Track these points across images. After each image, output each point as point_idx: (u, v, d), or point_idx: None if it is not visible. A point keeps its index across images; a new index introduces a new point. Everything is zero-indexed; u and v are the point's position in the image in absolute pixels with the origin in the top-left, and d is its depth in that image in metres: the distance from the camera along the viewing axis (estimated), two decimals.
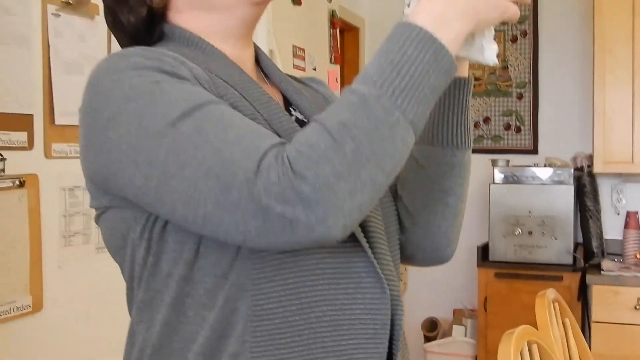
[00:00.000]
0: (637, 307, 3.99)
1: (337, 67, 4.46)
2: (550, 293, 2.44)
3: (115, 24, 1.17)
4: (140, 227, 1.01)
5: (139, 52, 1.00)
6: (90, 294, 2.47)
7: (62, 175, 2.40)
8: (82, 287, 2.45)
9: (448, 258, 1.25)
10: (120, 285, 1.10)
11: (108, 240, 1.10)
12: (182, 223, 0.93)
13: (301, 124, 1.10)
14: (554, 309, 2.43)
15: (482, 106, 5.02)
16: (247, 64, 1.17)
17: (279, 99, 1.18)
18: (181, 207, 0.90)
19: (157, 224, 0.99)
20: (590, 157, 4.57)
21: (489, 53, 1.03)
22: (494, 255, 4.41)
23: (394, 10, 4.94)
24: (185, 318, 1.00)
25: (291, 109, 1.19)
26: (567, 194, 4.36)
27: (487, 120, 5.01)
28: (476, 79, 4.94)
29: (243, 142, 0.87)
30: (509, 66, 4.92)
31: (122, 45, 1.18)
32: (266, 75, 1.22)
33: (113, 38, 2.44)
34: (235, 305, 0.96)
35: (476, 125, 5.03)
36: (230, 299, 0.96)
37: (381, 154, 0.86)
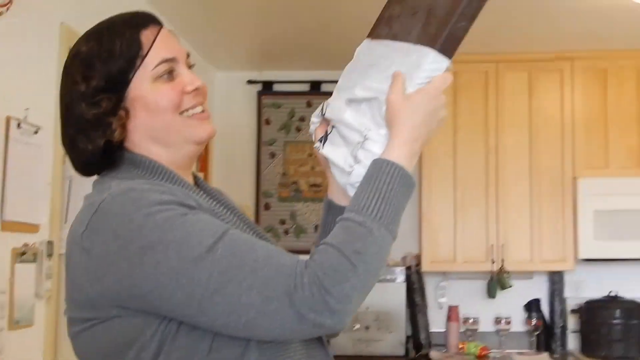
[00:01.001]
0: None
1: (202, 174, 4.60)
2: None
3: (72, 149, 1.29)
4: (151, 331, 1.13)
5: (152, 189, 1.16)
6: None
7: None
8: None
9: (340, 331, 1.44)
10: None
11: (97, 347, 1.19)
12: (219, 329, 1.10)
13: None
14: None
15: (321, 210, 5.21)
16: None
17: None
18: (223, 317, 1.08)
19: (171, 326, 1.13)
20: (418, 257, 4.85)
21: None
22: (334, 349, 4.56)
23: (246, 122, 5.16)
24: None
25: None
26: (400, 290, 4.64)
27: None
28: (317, 185, 5.19)
29: (272, 260, 1.10)
30: None
31: (75, 165, 1.31)
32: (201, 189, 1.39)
33: (11, 145, 2.46)
34: None
35: (317, 227, 5.13)
36: None
37: (380, 266, 1.14)
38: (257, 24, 4.41)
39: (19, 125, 2.70)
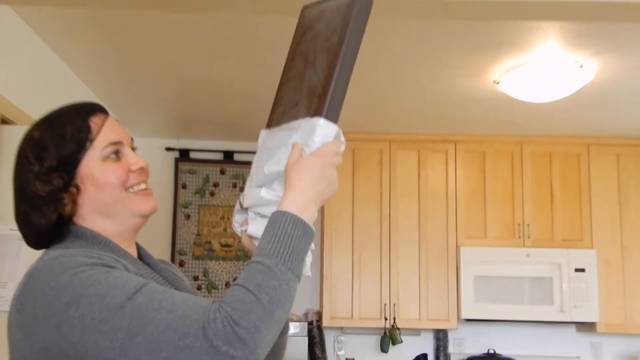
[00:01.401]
0: None
1: None
2: None
3: (25, 224, 1.29)
4: None
5: (81, 253, 1.18)
6: None
7: None
8: None
9: None
10: None
11: None
12: None
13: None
14: None
15: (232, 268, 5.18)
16: (135, 256, 1.38)
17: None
18: (145, 356, 1.08)
19: None
20: (319, 313, 4.86)
21: (307, 267, 1.27)
22: None
23: (163, 186, 5.07)
24: None
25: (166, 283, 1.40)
26: (302, 344, 4.57)
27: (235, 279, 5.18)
28: (228, 245, 5.18)
29: (188, 302, 1.11)
30: None
31: (29, 239, 1.31)
32: (144, 262, 1.42)
33: None
34: None
35: (227, 284, 5.15)
36: None
37: (284, 300, 1.13)
38: (175, 97, 4.41)
39: None
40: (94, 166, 1.29)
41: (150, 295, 1.12)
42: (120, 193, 1.31)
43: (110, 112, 1.39)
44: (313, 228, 1.21)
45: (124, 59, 3.76)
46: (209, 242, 5.19)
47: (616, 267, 4.75)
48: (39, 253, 1.27)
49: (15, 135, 3.12)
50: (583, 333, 5.00)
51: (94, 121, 1.32)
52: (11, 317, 1.19)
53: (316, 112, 1.24)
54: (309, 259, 1.26)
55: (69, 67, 3.88)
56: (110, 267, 1.17)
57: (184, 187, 5.23)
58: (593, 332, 4.82)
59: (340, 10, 1.30)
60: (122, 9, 1.60)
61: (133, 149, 1.37)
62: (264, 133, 1.38)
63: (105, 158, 1.30)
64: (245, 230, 1.31)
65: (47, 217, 1.27)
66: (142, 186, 1.34)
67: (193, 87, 4.17)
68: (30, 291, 1.15)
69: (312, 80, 1.30)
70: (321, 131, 1.23)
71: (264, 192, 1.29)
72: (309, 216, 1.21)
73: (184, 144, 5.28)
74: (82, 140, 1.29)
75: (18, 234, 3.41)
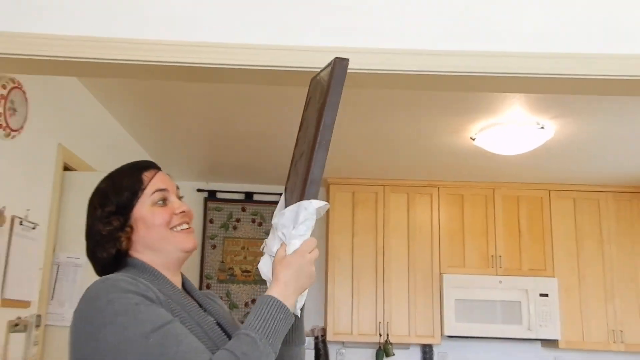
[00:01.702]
0: None
1: None
2: None
3: (93, 257, 1.33)
4: None
5: (124, 278, 1.20)
6: None
7: None
8: None
9: None
10: None
11: None
12: None
13: (217, 324, 1.33)
14: None
15: (250, 290, 5.17)
16: (178, 285, 1.37)
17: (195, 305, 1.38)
18: None
19: None
20: (324, 329, 4.84)
21: (298, 308, 1.27)
22: None
23: (194, 221, 5.07)
24: None
25: (206, 312, 1.37)
26: (309, 356, 4.54)
27: (254, 301, 5.10)
28: (247, 271, 5.18)
29: (187, 355, 1.11)
30: None
31: (96, 269, 1.34)
32: (187, 291, 1.41)
33: (14, 238, 2.45)
34: None
35: (246, 304, 5.14)
36: None
37: None
38: (205, 149, 4.44)
39: (21, 222, 2.70)
40: (144, 210, 1.32)
41: (162, 339, 1.12)
42: (165, 232, 1.32)
43: (161, 167, 1.42)
44: (292, 313, 1.22)
45: (165, 119, 3.83)
46: (232, 268, 5.18)
47: (574, 293, 4.78)
48: (93, 276, 1.29)
49: (76, 179, 3.23)
50: (547, 348, 4.99)
51: (146, 175, 1.35)
52: (69, 332, 1.22)
53: (300, 197, 1.26)
54: (300, 301, 1.28)
55: (121, 125, 3.95)
56: (143, 296, 1.17)
57: (211, 222, 5.23)
58: (556, 348, 4.81)
59: (325, 79, 1.30)
60: (163, 80, 1.71)
61: (179, 197, 1.38)
62: (282, 200, 1.38)
63: (154, 204, 1.33)
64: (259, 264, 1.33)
65: (107, 251, 1.31)
66: (184, 226, 1.35)
67: (219, 140, 4.21)
68: (80, 310, 1.18)
69: (304, 152, 1.31)
70: (305, 212, 1.24)
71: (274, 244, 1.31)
72: (290, 303, 1.22)
73: (212, 186, 5.30)
74: (135, 190, 1.32)
75: (75, 261, 3.46)
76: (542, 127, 3.64)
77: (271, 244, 1.31)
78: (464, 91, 2.95)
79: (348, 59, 1.28)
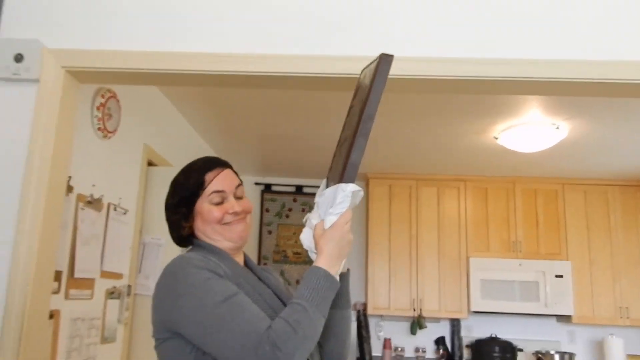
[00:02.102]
0: None
1: None
2: None
3: (170, 234, 1.39)
4: (189, 348, 1.17)
5: (197, 257, 1.21)
6: None
7: (72, 311, 2.38)
8: None
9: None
10: None
11: (163, 357, 1.24)
12: (213, 352, 1.13)
13: (274, 294, 1.33)
14: None
15: (301, 270, 5.12)
16: (241, 262, 1.39)
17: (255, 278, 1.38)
18: (214, 348, 1.12)
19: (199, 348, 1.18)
20: (364, 304, 4.84)
21: (342, 266, 1.24)
22: None
23: (253, 211, 5.19)
24: None
25: (264, 284, 1.37)
26: (352, 327, 4.56)
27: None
28: (298, 253, 5.17)
29: (251, 324, 1.11)
30: None
31: (175, 242, 1.38)
32: (249, 267, 1.42)
33: (110, 221, 2.53)
34: None
35: (297, 281, 5.09)
36: None
37: (314, 333, 1.13)
38: (262, 147, 4.43)
39: (115, 208, 2.77)
40: (203, 207, 1.32)
41: (230, 308, 1.12)
42: (217, 227, 1.32)
43: (230, 163, 1.40)
44: (337, 280, 1.20)
45: (228, 122, 3.85)
46: (285, 251, 5.18)
47: (585, 274, 4.69)
48: (172, 254, 1.31)
49: (157, 173, 3.32)
50: (561, 323, 4.91)
51: (210, 175, 1.34)
52: (152, 299, 1.26)
53: (340, 179, 1.22)
54: (344, 262, 1.27)
55: (192, 127, 4.00)
56: (213, 272, 1.17)
57: (267, 211, 5.25)
58: (569, 323, 4.74)
59: (370, 72, 1.26)
60: (227, 88, 1.75)
61: (238, 197, 1.36)
62: (324, 181, 1.35)
63: (211, 202, 1.32)
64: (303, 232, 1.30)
65: (176, 232, 1.36)
66: (236, 224, 1.33)
67: (272, 141, 4.21)
68: (161, 282, 1.21)
69: (347, 138, 1.25)
70: (341, 194, 1.21)
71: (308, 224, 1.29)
72: (335, 270, 1.21)
73: (268, 180, 5.32)
74: (196, 189, 1.33)
75: (157, 242, 3.54)
76: (557, 128, 3.58)
77: (312, 218, 1.29)
78: (487, 94, 2.94)
79: (393, 55, 1.25)
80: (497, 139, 3.85)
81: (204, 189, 1.32)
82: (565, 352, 4.67)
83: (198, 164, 1.37)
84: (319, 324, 1.14)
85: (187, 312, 1.13)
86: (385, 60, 1.24)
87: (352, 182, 1.22)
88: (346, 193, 1.21)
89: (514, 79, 1.78)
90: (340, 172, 1.23)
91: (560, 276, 4.62)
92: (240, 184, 1.39)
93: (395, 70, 1.70)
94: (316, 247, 1.23)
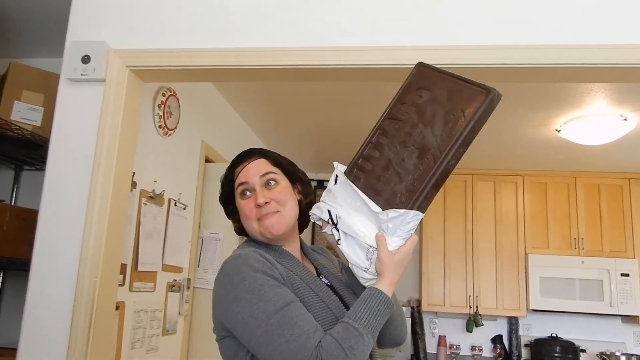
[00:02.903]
0: None
1: None
2: None
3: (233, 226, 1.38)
4: (245, 351, 1.17)
5: (254, 257, 1.17)
6: None
7: (135, 303, 2.44)
8: None
9: (403, 342, 1.44)
10: None
11: (223, 353, 1.24)
12: None
13: (330, 287, 1.30)
14: None
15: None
16: (296, 252, 1.34)
17: (312, 269, 1.35)
18: (263, 359, 1.11)
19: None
20: (419, 301, 4.81)
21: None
22: None
23: None
24: None
25: (321, 276, 1.36)
26: (406, 324, 4.60)
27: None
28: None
29: (301, 338, 1.08)
30: None
31: (236, 230, 1.36)
32: (305, 254, 1.40)
33: (170, 216, 2.56)
34: None
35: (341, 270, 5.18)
36: None
37: (364, 358, 1.10)
38: (314, 143, 4.44)
39: (175, 204, 2.81)
40: (238, 202, 1.30)
41: (281, 321, 1.09)
42: (251, 223, 1.28)
43: (261, 151, 1.35)
44: (393, 303, 1.18)
45: (280, 117, 3.87)
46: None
47: None
48: (230, 248, 1.30)
49: (214, 169, 3.38)
50: (627, 324, 4.70)
51: (238, 169, 1.31)
52: (212, 295, 1.24)
53: (412, 204, 1.14)
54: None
55: (246, 124, 4.04)
56: (268, 275, 1.15)
57: None
58: (636, 324, 4.53)
59: (472, 96, 1.15)
60: (278, 82, 1.76)
61: (266, 185, 1.29)
62: (344, 178, 1.27)
63: (240, 195, 1.30)
64: (338, 244, 1.24)
65: (233, 225, 1.36)
66: (265, 220, 1.27)
67: (326, 135, 4.18)
68: (218, 281, 1.19)
69: (428, 140, 1.16)
70: (412, 224, 1.15)
71: (357, 228, 1.21)
72: (391, 292, 1.19)
73: (320, 176, 5.28)
74: (230, 186, 1.32)
75: (215, 236, 3.57)
76: (625, 119, 3.43)
77: (364, 234, 1.20)
78: (548, 82, 2.83)
79: (501, 95, 1.15)
80: (559, 131, 3.73)
81: (235, 184, 1.31)
82: (632, 354, 4.49)
83: (233, 160, 1.35)
84: (369, 349, 1.11)
85: (240, 318, 1.12)
86: (497, 98, 1.14)
87: (423, 212, 1.15)
88: (415, 222, 1.15)
89: (580, 66, 1.70)
90: (416, 196, 1.14)
91: (627, 275, 4.43)
92: (269, 173, 1.30)
93: (456, 59, 1.66)
94: (377, 267, 1.18)
